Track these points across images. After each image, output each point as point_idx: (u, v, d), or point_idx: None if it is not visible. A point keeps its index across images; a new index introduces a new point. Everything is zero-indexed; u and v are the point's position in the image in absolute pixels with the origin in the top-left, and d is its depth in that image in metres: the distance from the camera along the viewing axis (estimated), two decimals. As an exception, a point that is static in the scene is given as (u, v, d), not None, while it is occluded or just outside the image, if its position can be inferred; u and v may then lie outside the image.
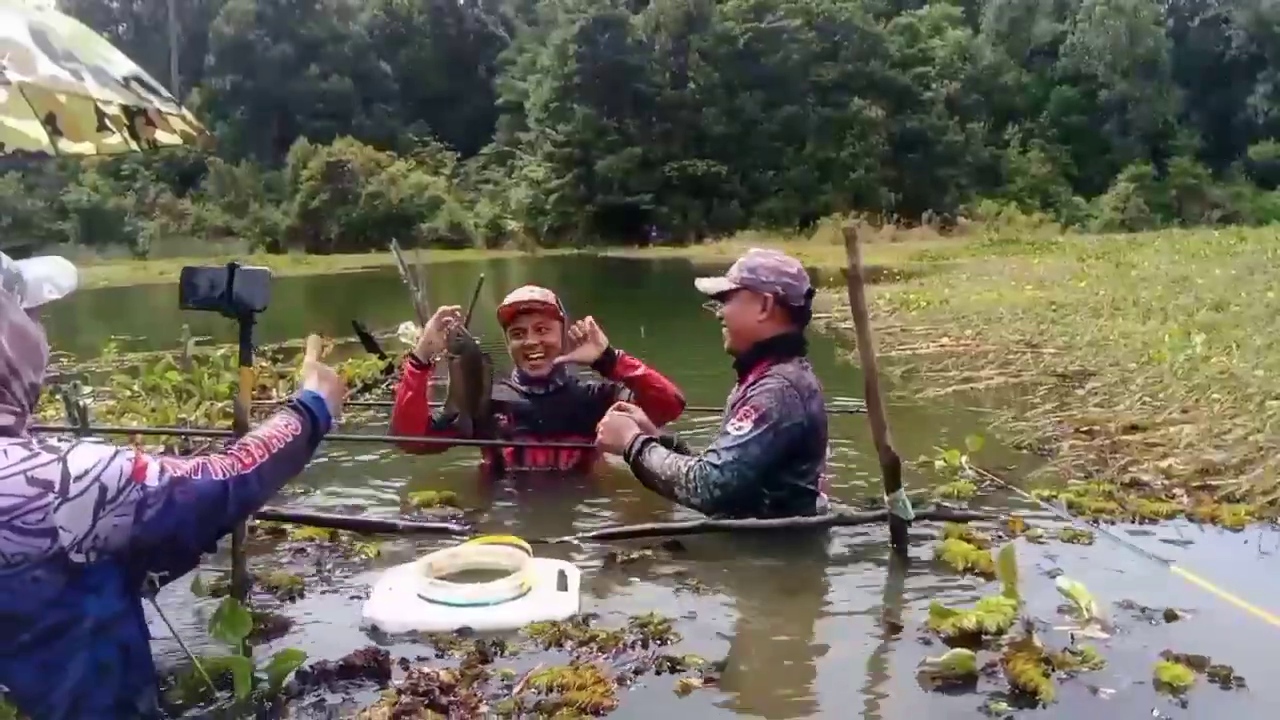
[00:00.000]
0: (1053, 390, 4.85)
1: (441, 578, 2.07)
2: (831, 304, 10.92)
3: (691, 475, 2.48)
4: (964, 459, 3.20)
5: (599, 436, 2.74)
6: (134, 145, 2.72)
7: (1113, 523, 2.69)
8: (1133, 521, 2.69)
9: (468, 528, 2.64)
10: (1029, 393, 4.86)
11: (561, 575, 2.12)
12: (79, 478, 1.38)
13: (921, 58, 49.14)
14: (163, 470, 1.45)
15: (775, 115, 46.31)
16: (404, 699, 1.57)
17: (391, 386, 5.27)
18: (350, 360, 5.50)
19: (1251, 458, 3.17)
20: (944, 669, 1.73)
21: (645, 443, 2.64)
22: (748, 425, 2.49)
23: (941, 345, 6.82)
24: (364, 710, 1.57)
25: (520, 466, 3.21)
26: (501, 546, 2.23)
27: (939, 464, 3.23)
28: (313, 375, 1.85)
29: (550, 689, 1.67)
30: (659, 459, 2.58)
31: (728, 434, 2.53)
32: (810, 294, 2.71)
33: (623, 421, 2.72)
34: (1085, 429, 3.88)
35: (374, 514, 2.90)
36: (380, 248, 31.13)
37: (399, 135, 54.45)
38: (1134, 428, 3.80)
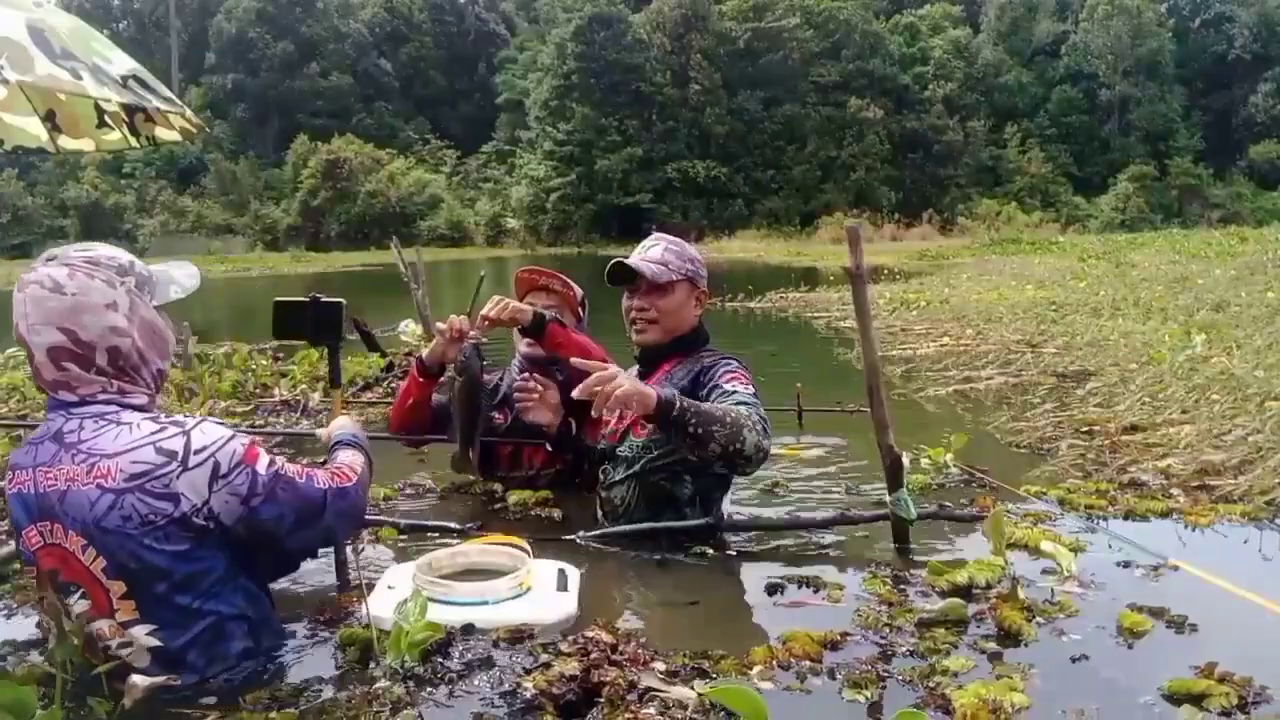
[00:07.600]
0: (1053, 390, 4.84)
1: (442, 577, 2.07)
2: (832, 303, 10.93)
3: (753, 416, 2.11)
4: (948, 456, 3.20)
5: (618, 390, 2.03)
6: (133, 141, 2.71)
7: (1104, 518, 2.71)
8: (1123, 518, 2.73)
9: (469, 526, 2.63)
10: (1029, 392, 4.85)
11: (562, 574, 2.11)
12: (198, 451, 1.56)
13: (922, 57, 49.16)
14: (271, 462, 1.63)
15: (776, 115, 46.32)
16: (592, 656, 1.64)
17: (392, 385, 5.26)
18: (350, 358, 5.48)
19: (1251, 458, 3.17)
20: (939, 616, 1.94)
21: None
22: (748, 387, 2.27)
23: (942, 344, 6.82)
24: (552, 664, 1.63)
25: (511, 473, 3.04)
26: (502, 546, 2.23)
27: (925, 461, 3.23)
28: (344, 423, 2.05)
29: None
30: (704, 404, 2.16)
31: (735, 392, 2.21)
32: None
33: (633, 378, 2.19)
34: (1085, 429, 3.88)
35: (376, 513, 2.88)
36: (380, 245, 31.13)
37: (399, 133, 54.47)
38: (1134, 428, 3.80)
